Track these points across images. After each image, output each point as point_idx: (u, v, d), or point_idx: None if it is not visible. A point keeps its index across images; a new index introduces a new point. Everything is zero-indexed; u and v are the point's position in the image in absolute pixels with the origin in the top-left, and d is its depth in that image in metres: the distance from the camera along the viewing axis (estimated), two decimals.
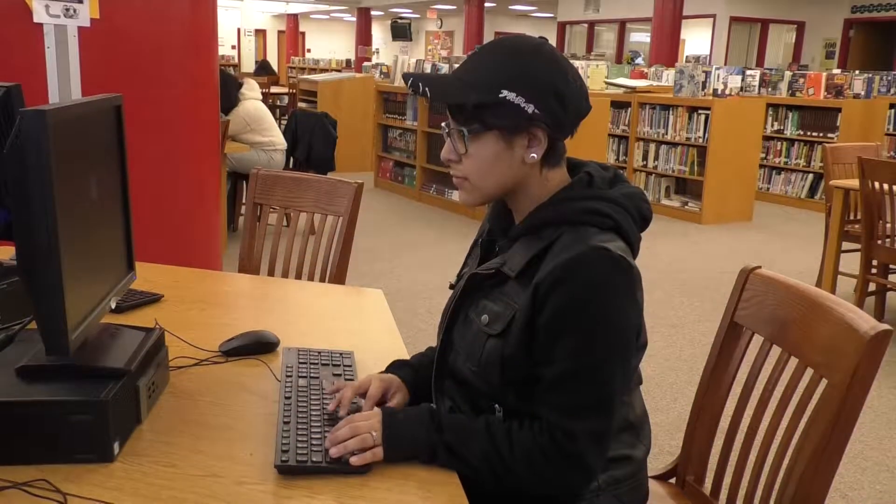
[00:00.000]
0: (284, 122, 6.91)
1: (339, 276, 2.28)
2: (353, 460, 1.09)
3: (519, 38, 1.26)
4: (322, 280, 2.27)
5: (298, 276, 2.32)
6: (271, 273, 2.40)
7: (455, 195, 7.21)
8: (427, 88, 1.20)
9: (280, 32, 28.51)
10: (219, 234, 3.34)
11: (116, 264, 1.30)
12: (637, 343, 1.24)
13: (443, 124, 1.27)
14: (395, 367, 1.38)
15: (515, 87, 1.19)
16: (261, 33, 28.06)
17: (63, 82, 2.62)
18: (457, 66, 1.35)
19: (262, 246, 2.38)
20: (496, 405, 1.25)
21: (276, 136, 5.77)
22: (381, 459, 1.12)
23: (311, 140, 6.09)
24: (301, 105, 9.62)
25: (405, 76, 1.23)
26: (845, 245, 4.37)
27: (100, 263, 1.22)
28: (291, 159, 6.14)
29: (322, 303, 1.92)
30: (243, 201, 5.85)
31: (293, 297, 1.98)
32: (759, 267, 1.45)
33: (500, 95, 1.18)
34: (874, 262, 4.15)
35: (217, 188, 3.29)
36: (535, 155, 1.22)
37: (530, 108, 1.19)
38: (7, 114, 1.25)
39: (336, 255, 2.27)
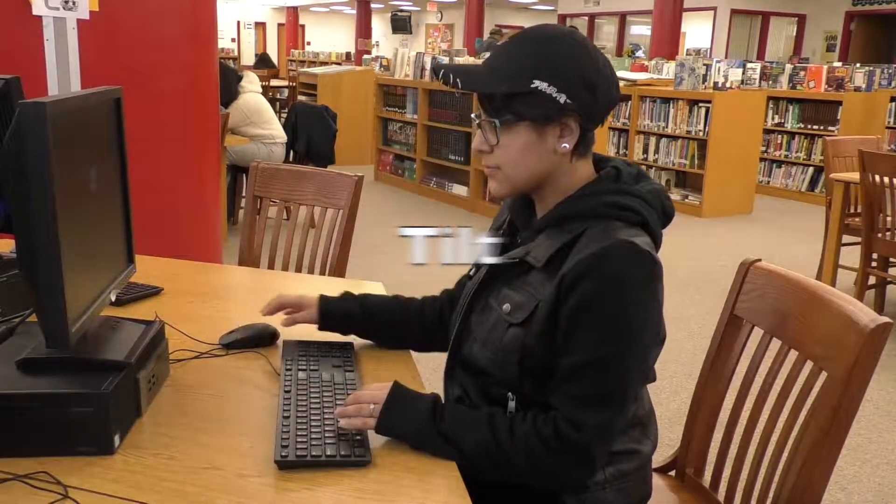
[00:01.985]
0: (284, 115, 6.90)
1: (339, 269, 2.28)
2: (342, 423, 1.14)
3: (549, 27, 1.25)
4: (322, 273, 2.27)
5: (299, 270, 2.32)
6: (271, 266, 2.40)
7: (455, 189, 7.20)
8: (458, 79, 1.20)
9: (280, 25, 28.44)
10: (219, 226, 3.34)
11: (116, 257, 1.30)
12: (656, 339, 1.24)
13: (473, 115, 1.28)
14: (341, 297, 1.52)
15: (547, 77, 1.18)
16: (260, 26, 27.99)
17: (62, 75, 2.61)
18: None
19: (262, 239, 2.38)
20: (509, 393, 1.25)
21: (275, 129, 5.77)
22: (370, 428, 1.14)
23: (311, 133, 6.08)
24: (301, 98, 9.60)
25: (436, 67, 1.23)
26: (846, 238, 4.37)
27: (100, 256, 1.22)
28: (291, 152, 6.13)
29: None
30: (243, 194, 5.84)
31: (293, 290, 1.97)
32: (760, 260, 1.45)
33: (532, 85, 1.18)
34: (874, 256, 4.15)
35: (217, 181, 3.29)
36: (566, 145, 1.22)
37: (562, 98, 1.18)
38: (6, 106, 1.24)
39: (336, 248, 2.27)
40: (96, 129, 1.19)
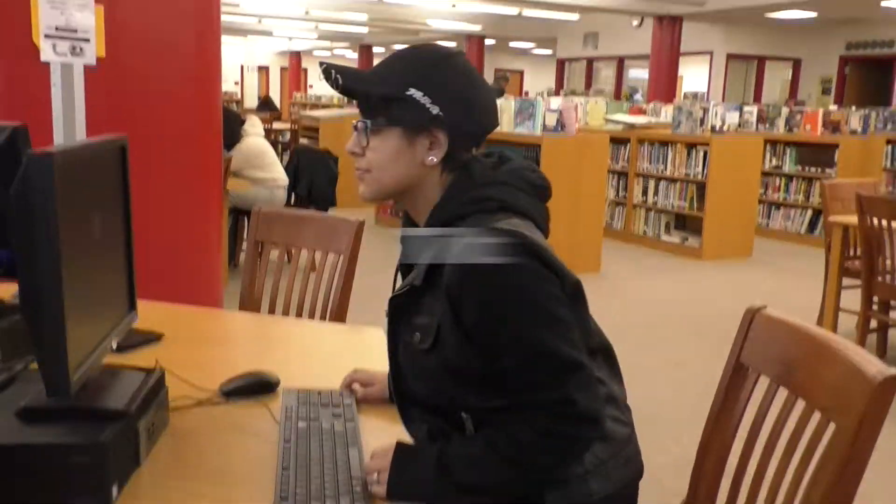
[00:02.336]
0: (286, 158, 6.95)
1: (339, 314, 2.27)
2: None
3: (436, 45, 1.31)
4: (323, 318, 2.26)
5: (299, 314, 2.31)
6: (272, 310, 2.40)
7: None
8: (339, 76, 1.23)
9: (283, 69, 28.80)
10: (220, 270, 3.34)
11: (118, 304, 1.30)
12: (566, 293, 1.21)
13: (354, 122, 1.31)
14: None
15: (423, 87, 1.22)
16: (264, 70, 28.34)
17: (68, 120, 2.64)
18: None
19: (263, 283, 2.38)
20: (462, 413, 1.25)
21: (277, 173, 5.80)
22: (382, 497, 1.12)
23: (313, 176, 6.12)
24: (303, 141, 9.68)
25: (322, 65, 1.27)
26: (846, 282, 4.36)
27: (102, 304, 1.21)
28: (293, 195, 6.16)
29: (323, 342, 1.91)
30: (244, 237, 5.85)
31: (294, 336, 1.97)
32: (765, 307, 1.45)
33: (407, 92, 1.22)
34: (875, 299, 4.14)
35: (219, 225, 3.30)
36: (434, 158, 1.25)
37: (435, 110, 1.22)
38: (13, 154, 1.25)
39: (337, 292, 2.27)
40: (102, 177, 1.19)
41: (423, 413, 1.32)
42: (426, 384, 1.27)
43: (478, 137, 1.29)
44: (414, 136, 1.24)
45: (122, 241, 1.29)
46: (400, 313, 1.32)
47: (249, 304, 2.37)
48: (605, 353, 1.38)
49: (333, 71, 1.23)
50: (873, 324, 4.22)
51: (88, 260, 1.13)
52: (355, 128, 1.28)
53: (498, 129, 1.38)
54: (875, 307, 4.18)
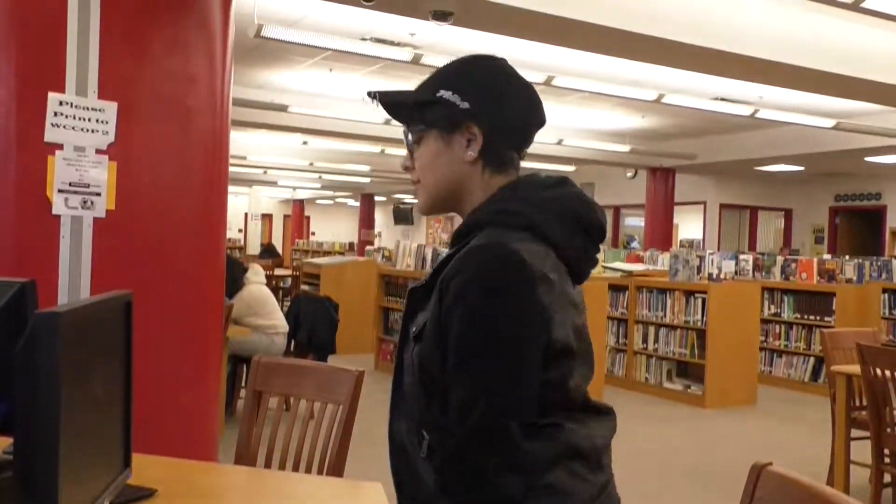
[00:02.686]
0: (287, 304, 7.00)
1: (337, 467, 2.22)
2: None
3: (476, 53, 1.37)
4: (320, 470, 2.21)
5: (296, 467, 2.26)
6: (269, 462, 2.34)
7: None
8: (378, 94, 1.30)
9: (286, 216, 29.52)
10: (217, 421, 3.28)
11: (113, 462, 1.28)
12: (551, 348, 1.17)
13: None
14: None
15: (452, 86, 1.27)
16: (267, 217, 29.04)
17: (74, 272, 2.68)
18: None
19: (260, 434, 2.34)
20: (423, 431, 1.23)
21: (278, 320, 5.82)
22: None
23: (313, 323, 6.14)
24: (304, 288, 9.78)
25: (368, 92, 1.33)
26: (855, 433, 4.27)
27: (97, 462, 1.19)
28: (293, 342, 6.15)
29: (319, 499, 1.85)
30: (243, 384, 5.79)
31: (290, 493, 1.91)
32: (771, 463, 1.41)
33: (438, 94, 1.27)
34: (886, 451, 4.04)
35: (218, 375, 3.28)
36: (472, 152, 1.27)
37: (464, 105, 1.25)
38: (20, 309, 1.27)
39: (335, 445, 2.23)
40: (106, 334, 1.20)
41: (408, 409, 1.31)
42: (410, 378, 1.28)
43: (517, 132, 1.29)
44: (450, 134, 1.27)
45: (122, 396, 1.28)
46: (412, 306, 1.33)
47: (246, 456, 2.32)
48: (595, 410, 1.31)
49: (376, 92, 1.30)
50: (887, 478, 4.10)
51: (87, 417, 1.12)
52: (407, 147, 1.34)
53: None
54: (887, 459, 4.07)
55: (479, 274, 1.15)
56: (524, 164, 1.34)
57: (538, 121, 1.31)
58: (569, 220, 1.24)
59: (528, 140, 1.32)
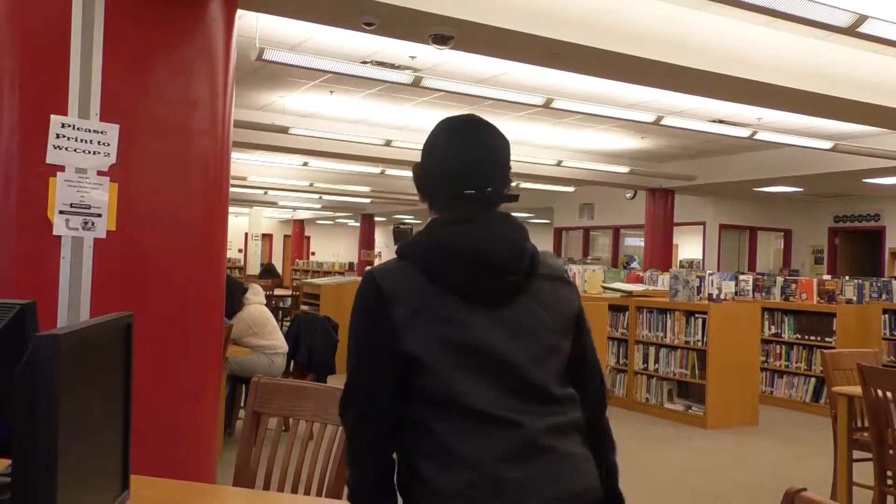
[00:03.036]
0: (287, 324, 6.98)
1: (336, 488, 2.21)
2: None
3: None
4: (319, 492, 2.20)
5: (295, 488, 2.25)
6: (268, 483, 2.33)
7: None
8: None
9: (286, 236, 29.54)
10: (215, 442, 3.27)
11: (111, 483, 1.27)
12: (401, 357, 1.40)
13: None
14: None
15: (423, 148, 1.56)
16: (267, 237, 29.07)
17: (74, 293, 2.69)
18: None
19: (259, 455, 2.33)
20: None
21: (277, 340, 5.81)
22: None
23: (313, 343, 6.13)
24: (303, 308, 9.77)
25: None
26: (857, 454, 4.25)
27: (96, 483, 1.19)
28: (292, 362, 6.14)
29: None
30: (242, 405, 5.77)
31: None
32: (805, 489, 1.38)
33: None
34: (888, 473, 4.01)
35: (217, 396, 3.27)
36: (424, 204, 1.54)
37: (422, 162, 1.54)
38: (21, 330, 1.27)
39: (335, 465, 2.22)
40: (106, 356, 1.21)
41: None
42: None
43: (448, 179, 1.48)
44: (421, 193, 1.53)
45: (121, 418, 1.28)
46: None
47: (244, 477, 2.31)
48: (472, 414, 1.39)
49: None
50: (890, 500, 4.07)
51: (86, 438, 1.12)
52: None
53: None
54: (889, 481, 4.04)
55: (356, 295, 1.47)
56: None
57: (464, 167, 1.50)
58: (445, 252, 1.44)
59: (463, 182, 1.48)
